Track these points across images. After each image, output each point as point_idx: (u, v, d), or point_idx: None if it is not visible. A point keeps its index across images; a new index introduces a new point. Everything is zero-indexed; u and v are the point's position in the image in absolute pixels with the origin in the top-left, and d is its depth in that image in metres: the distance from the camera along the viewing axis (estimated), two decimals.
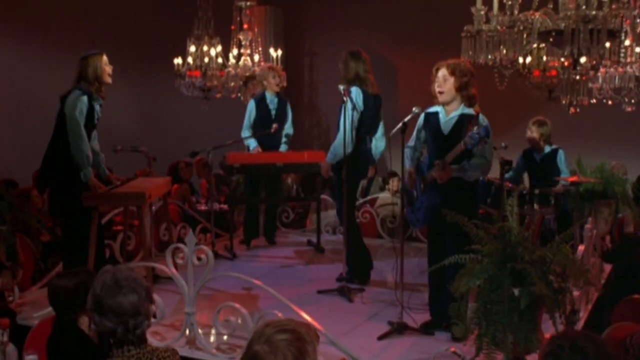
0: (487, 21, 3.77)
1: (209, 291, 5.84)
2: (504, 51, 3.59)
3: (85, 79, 5.61)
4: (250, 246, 7.58)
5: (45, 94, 9.90)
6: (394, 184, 8.55)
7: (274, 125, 7.29)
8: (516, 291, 3.59)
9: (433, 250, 5.08)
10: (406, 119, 4.98)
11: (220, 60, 9.35)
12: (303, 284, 6.24)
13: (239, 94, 8.58)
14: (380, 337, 4.92)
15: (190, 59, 9.43)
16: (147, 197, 5.32)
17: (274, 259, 7.15)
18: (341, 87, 5.93)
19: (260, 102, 7.51)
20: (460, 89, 4.83)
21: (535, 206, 6.18)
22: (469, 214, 4.89)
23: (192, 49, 9.51)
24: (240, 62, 8.47)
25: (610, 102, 6.62)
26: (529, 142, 6.91)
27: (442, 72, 4.86)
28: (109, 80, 5.71)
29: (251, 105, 7.54)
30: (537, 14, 3.34)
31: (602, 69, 6.59)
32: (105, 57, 5.71)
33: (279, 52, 8.26)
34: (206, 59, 9.40)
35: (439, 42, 10.77)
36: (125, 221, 6.13)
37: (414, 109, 4.96)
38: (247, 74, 8.34)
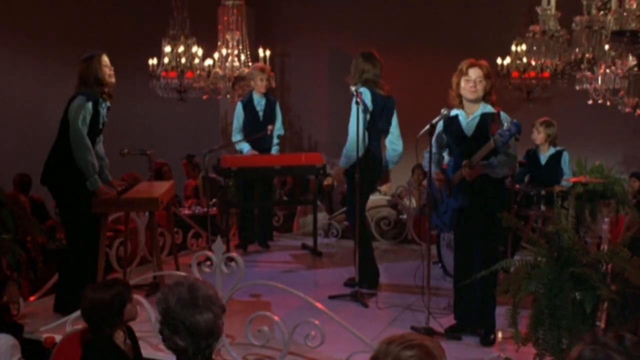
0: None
1: None
2: (577, 51, 3.53)
3: (86, 83, 5.38)
4: (247, 251, 7.39)
5: (11, 98, 9.61)
6: (385, 186, 8.45)
7: (269, 127, 7.13)
8: (577, 295, 3.55)
9: (459, 253, 5.01)
10: (434, 121, 4.89)
11: (197, 60, 9.15)
12: (311, 290, 6.07)
13: (227, 95, 8.36)
14: None
15: (166, 59, 9.20)
16: (160, 203, 5.11)
17: (273, 263, 6.98)
18: (353, 88, 5.80)
19: (248, 104, 7.33)
20: (489, 92, 4.77)
21: (542, 207, 6.17)
22: (498, 215, 4.87)
23: (168, 49, 9.28)
24: (227, 63, 8.25)
25: (609, 103, 6.67)
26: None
27: (477, 73, 4.73)
28: (111, 80, 5.48)
29: (239, 108, 7.36)
30: (609, 15, 3.30)
31: (601, 70, 6.67)
32: (105, 58, 5.47)
33: (267, 52, 8.09)
34: (183, 60, 9.19)
35: (410, 42, 10.80)
36: (126, 228, 5.88)
37: (442, 110, 4.86)
38: (236, 74, 8.13)
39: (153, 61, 9.28)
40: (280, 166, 7.05)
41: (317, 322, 4.29)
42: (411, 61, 10.69)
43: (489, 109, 4.76)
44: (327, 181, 8.91)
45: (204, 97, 8.84)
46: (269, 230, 7.72)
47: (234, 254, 4.50)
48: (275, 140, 7.41)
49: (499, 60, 9.70)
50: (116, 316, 3.73)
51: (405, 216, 8.09)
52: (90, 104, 5.29)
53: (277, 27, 12.11)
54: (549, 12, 3.79)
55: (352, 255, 6.73)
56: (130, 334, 3.94)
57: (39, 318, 5.30)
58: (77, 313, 4.79)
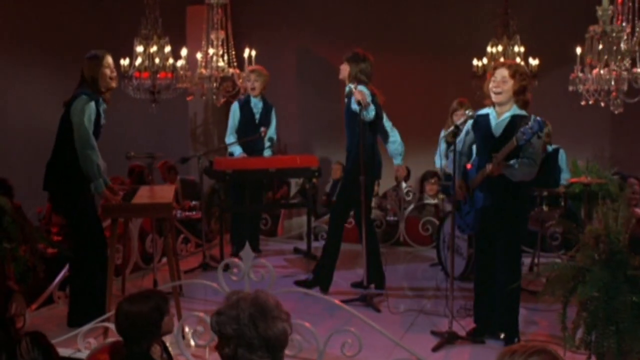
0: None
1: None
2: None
3: (86, 82, 5.15)
4: (239, 256, 7.17)
5: None
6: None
7: (262, 129, 6.98)
8: (634, 298, 3.52)
9: (481, 255, 4.95)
10: (458, 122, 4.84)
11: (170, 60, 8.92)
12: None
13: (214, 96, 8.14)
14: (435, 349, 4.74)
15: (139, 60, 8.92)
16: (173, 208, 4.91)
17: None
18: (351, 86, 5.77)
19: (245, 104, 7.16)
20: (518, 92, 4.70)
21: (545, 208, 6.17)
22: (521, 216, 4.85)
23: (140, 49, 9.01)
24: (213, 63, 8.03)
25: (602, 104, 6.71)
26: None
27: (502, 73, 4.70)
28: (110, 84, 5.25)
29: (235, 108, 7.18)
30: None
31: (594, 71, 6.70)
32: (108, 60, 5.24)
33: (253, 52, 7.90)
34: (157, 60, 8.94)
35: (380, 42, 10.74)
36: (124, 234, 5.63)
37: (467, 111, 4.82)
38: (221, 74, 7.92)
39: (125, 61, 8.99)
40: (275, 169, 6.89)
41: (352, 328, 4.16)
42: (381, 61, 10.61)
43: (520, 112, 4.71)
44: None
45: (188, 99, 8.60)
46: (257, 234, 7.55)
47: (262, 261, 4.34)
48: (267, 144, 7.25)
49: (475, 62, 9.77)
50: (155, 329, 3.54)
51: (392, 218, 8.02)
52: (93, 103, 5.09)
53: (244, 27, 11.91)
54: (609, 12, 3.77)
55: (348, 258, 6.68)
56: (165, 347, 3.76)
57: (41, 330, 5.03)
58: (89, 326, 4.60)
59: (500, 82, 4.69)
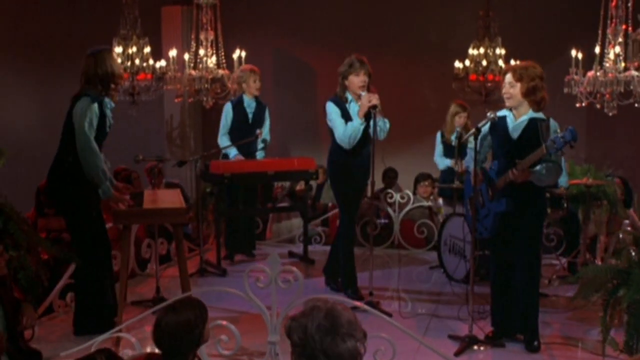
0: None
1: (234, 313, 5.35)
2: None
3: (94, 79, 4.94)
4: (234, 261, 7.06)
5: None
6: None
7: (258, 131, 6.87)
8: None
9: (499, 258, 4.91)
10: (480, 124, 4.79)
11: (150, 61, 8.74)
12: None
13: (205, 98, 7.98)
14: (457, 353, 4.68)
15: (118, 60, 8.70)
16: (186, 212, 4.76)
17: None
18: (364, 93, 5.70)
19: (237, 105, 7.03)
20: (527, 94, 4.67)
21: (548, 209, 6.17)
22: (540, 219, 4.84)
23: (119, 50, 8.81)
24: (203, 64, 7.88)
25: (598, 106, 6.78)
26: None
27: (508, 78, 4.70)
28: (122, 79, 5.08)
29: (227, 109, 7.03)
30: None
31: (590, 73, 6.76)
32: (114, 54, 5.07)
33: (243, 53, 7.77)
34: (137, 61, 8.75)
35: (358, 43, 10.68)
36: (125, 239, 5.41)
37: (488, 113, 4.77)
38: (211, 76, 7.76)
39: None
40: (273, 171, 6.77)
41: (384, 334, 4.07)
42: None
43: (537, 115, 4.69)
44: (300, 186, 8.64)
45: (176, 100, 8.40)
46: (253, 238, 7.41)
47: (291, 267, 4.23)
48: (261, 145, 7.13)
49: (456, 64, 9.77)
50: (199, 338, 3.40)
51: (383, 220, 7.95)
52: (95, 106, 4.87)
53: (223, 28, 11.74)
54: None
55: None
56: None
57: (45, 342, 4.83)
58: (105, 336, 4.42)
59: (508, 87, 4.69)
